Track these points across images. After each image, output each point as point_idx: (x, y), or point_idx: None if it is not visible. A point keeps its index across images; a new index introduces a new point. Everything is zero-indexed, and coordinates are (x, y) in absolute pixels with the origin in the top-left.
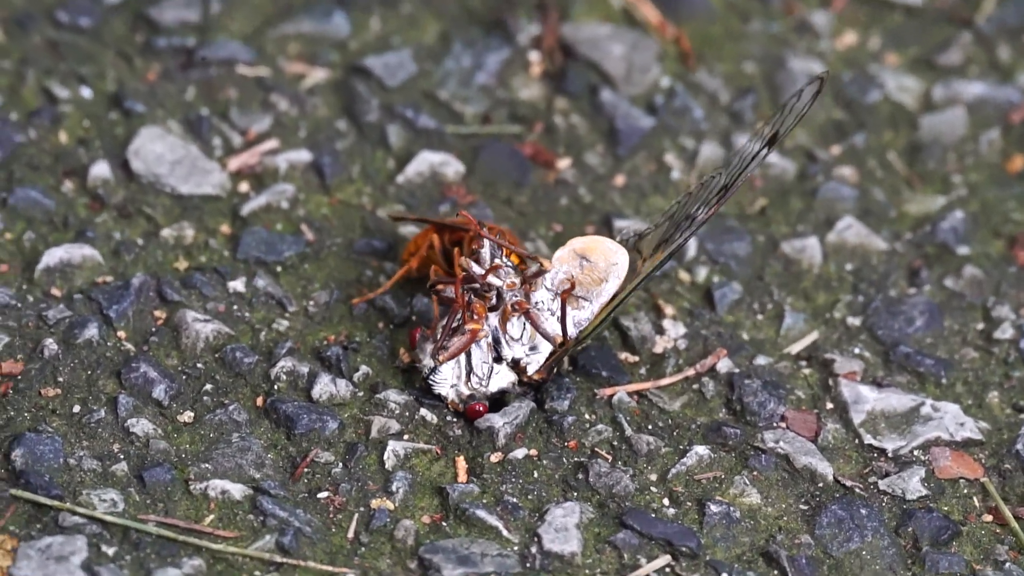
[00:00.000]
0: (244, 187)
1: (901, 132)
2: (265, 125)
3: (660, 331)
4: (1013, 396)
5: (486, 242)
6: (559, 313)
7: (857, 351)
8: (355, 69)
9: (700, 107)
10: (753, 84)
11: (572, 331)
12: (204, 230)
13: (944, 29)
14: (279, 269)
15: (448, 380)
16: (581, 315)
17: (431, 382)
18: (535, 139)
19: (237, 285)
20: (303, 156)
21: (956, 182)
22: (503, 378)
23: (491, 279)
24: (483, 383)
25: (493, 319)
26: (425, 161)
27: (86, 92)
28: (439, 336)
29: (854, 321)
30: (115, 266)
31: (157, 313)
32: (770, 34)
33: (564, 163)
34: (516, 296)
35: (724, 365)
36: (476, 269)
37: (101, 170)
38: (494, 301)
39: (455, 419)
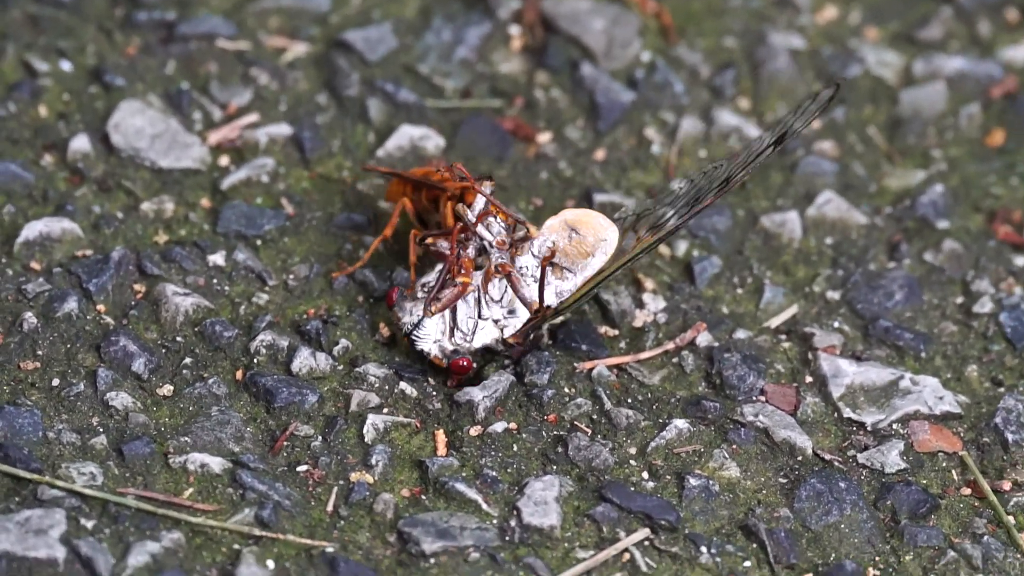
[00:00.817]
0: (224, 161)
1: (881, 107)
2: (245, 99)
3: (640, 305)
4: (992, 370)
5: (479, 196)
6: (548, 284)
7: (836, 325)
8: (336, 43)
9: (680, 82)
10: (733, 59)
11: (552, 300)
12: (184, 204)
13: (925, 4)
14: (259, 243)
15: (432, 335)
16: (564, 286)
17: (414, 338)
18: (516, 113)
19: (217, 259)
20: (283, 130)
21: (936, 157)
22: (487, 334)
23: (481, 230)
24: (467, 338)
25: (477, 277)
26: (405, 135)
27: (66, 66)
28: (431, 287)
29: (833, 295)
30: (95, 240)
31: (137, 287)
32: (750, 9)
33: (544, 137)
34: (502, 257)
35: (704, 339)
36: (471, 217)
37: (81, 144)
38: (480, 260)
39: (435, 392)
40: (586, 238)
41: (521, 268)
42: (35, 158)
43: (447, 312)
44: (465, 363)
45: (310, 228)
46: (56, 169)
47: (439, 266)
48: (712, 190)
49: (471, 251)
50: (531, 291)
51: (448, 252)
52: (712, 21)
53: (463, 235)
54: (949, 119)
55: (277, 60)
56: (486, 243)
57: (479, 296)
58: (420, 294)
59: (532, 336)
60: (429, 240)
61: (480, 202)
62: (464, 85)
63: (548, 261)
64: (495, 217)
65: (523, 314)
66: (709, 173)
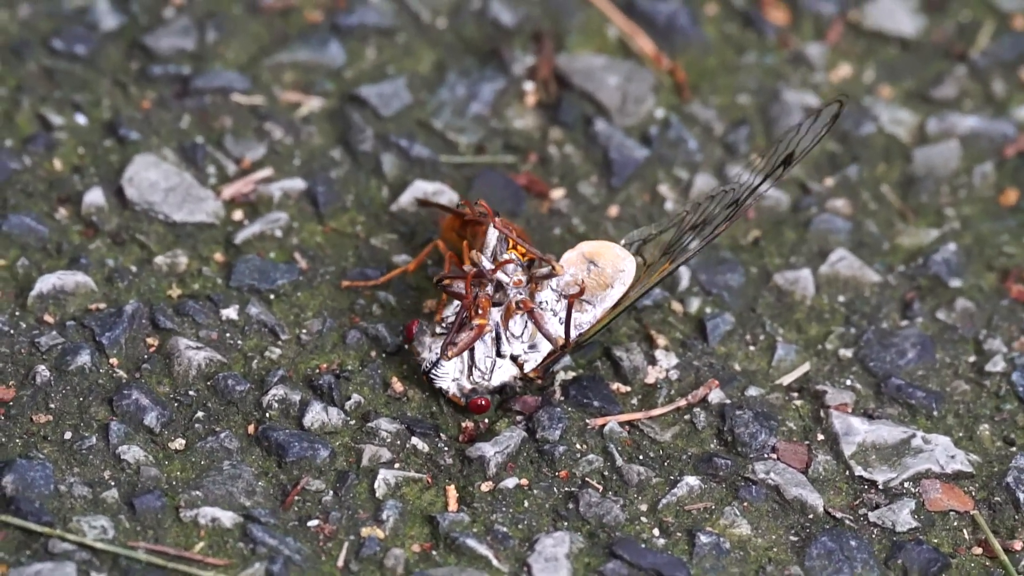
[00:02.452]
0: (238, 215)
1: (895, 165)
2: (259, 153)
3: (652, 361)
4: (1004, 429)
5: (493, 232)
6: (562, 315)
7: (849, 383)
8: (350, 98)
9: (694, 138)
10: (747, 116)
11: (573, 334)
12: (198, 258)
13: (939, 63)
14: (272, 297)
15: (450, 374)
16: (583, 318)
17: (433, 376)
18: (529, 169)
19: (230, 313)
20: (297, 184)
21: (949, 215)
22: (505, 372)
23: (499, 275)
24: (485, 377)
25: (495, 313)
26: (419, 190)
27: (81, 119)
28: (447, 331)
29: (846, 353)
30: (108, 293)
31: (150, 340)
32: (765, 66)
33: (558, 193)
34: (521, 294)
35: (716, 396)
36: (486, 264)
37: (95, 197)
38: (498, 297)
39: (446, 448)
40: (605, 269)
41: (541, 303)
42: (49, 211)
43: (465, 351)
44: (483, 403)
45: (323, 283)
46: (70, 222)
47: (456, 304)
48: (721, 214)
49: (489, 289)
50: (553, 326)
51: (464, 293)
52: (726, 78)
53: (477, 276)
54: (963, 177)
55: (291, 115)
56: (503, 283)
57: (499, 333)
58: (439, 329)
59: (551, 370)
60: (446, 281)
61: (492, 241)
62: (478, 140)
63: (576, 298)
64: (511, 254)
65: (544, 348)
66: (717, 197)
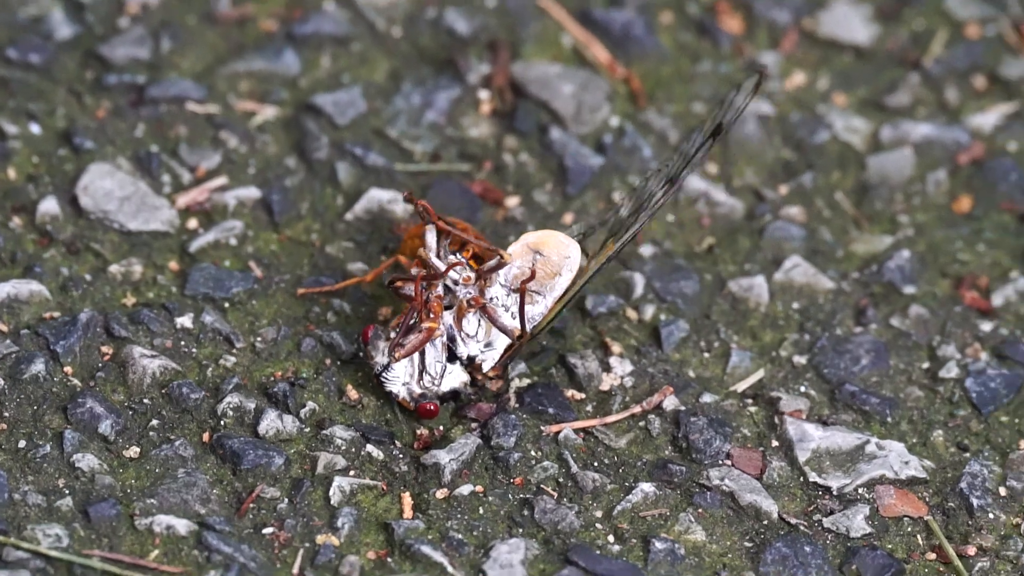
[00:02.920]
0: (193, 224)
1: (849, 172)
2: (215, 162)
3: (607, 368)
4: (957, 435)
5: (432, 232)
6: (514, 309)
7: (803, 389)
8: (305, 107)
9: (649, 146)
10: (702, 124)
11: (528, 325)
12: (152, 266)
13: (892, 71)
14: (227, 305)
15: (400, 378)
16: (535, 310)
17: (383, 379)
18: (485, 177)
19: (185, 321)
20: (252, 193)
21: (903, 222)
22: (455, 378)
23: (448, 274)
24: (435, 382)
25: (448, 316)
26: (374, 199)
27: (35, 128)
28: (395, 333)
29: (800, 360)
30: (63, 301)
31: (104, 349)
32: (720, 75)
33: (513, 201)
34: (471, 292)
35: (670, 403)
36: (437, 264)
37: (50, 206)
38: (449, 300)
39: (401, 455)
40: (551, 258)
41: (492, 299)
42: (3, 220)
43: (416, 355)
44: (432, 407)
45: (278, 291)
46: (24, 231)
47: (408, 310)
48: (657, 193)
49: (440, 291)
50: (507, 320)
51: (413, 296)
52: (681, 86)
53: (427, 278)
54: (916, 185)
55: (246, 123)
56: (450, 281)
57: (453, 335)
58: (393, 334)
59: (509, 366)
60: (397, 283)
61: (432, 241)
62: (433, 149)
63: (527, 285)
64: (456, 254)
65: (500, 345)
66: (651, 177)
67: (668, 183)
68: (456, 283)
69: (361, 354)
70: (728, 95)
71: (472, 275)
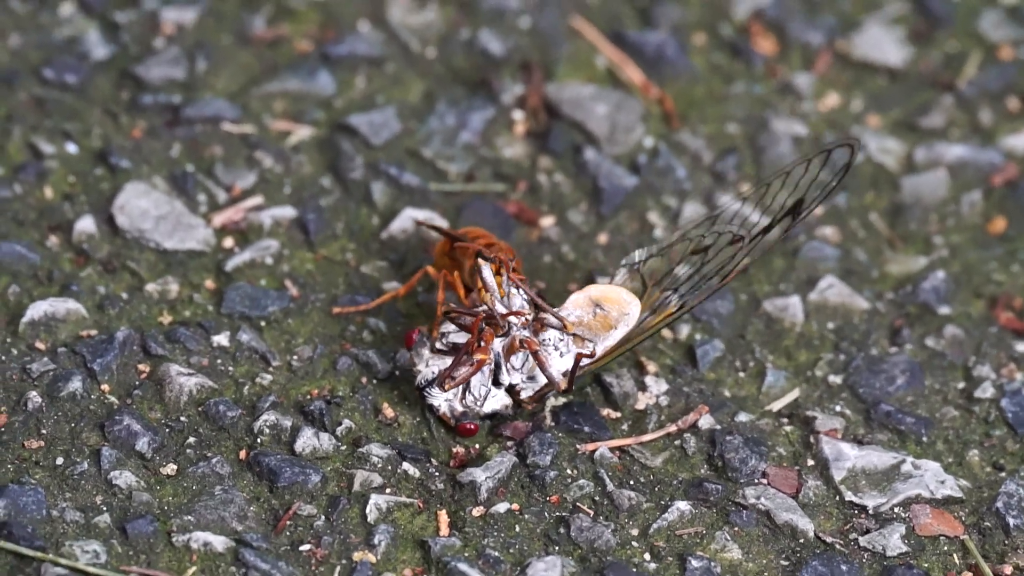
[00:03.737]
0: (229, 243)
1: (883, 193)
2: (250, 182)
3: (642, 387)
4: (993, 455)
5: (488, 268)
6: (563, 350)
7: (838, 409)
8: (340, 127)
9: (683, 167)
10: (736, 144)
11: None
12: (188, 285)
13: (926, 92)
14: (263, 324)
15: (443, 394)
16: (583, 353)
17: (425, 393)
18: (519, 197)
19: (221, 339)
20: (288, 212)
21: (938, 243)
22: (498, 400)
23: (511, 318)
24: (478, 403)
25: (498, 344)
26: (409, 218)
27: (72, 148)
28: (446, 350)
29: (835, 379)
30: (99, 320)
31: (141, 367)
32: (753, 96)
33: (548, 221)
34: (525, 333)
35: (706, 422)
36: (500, 308)
37: (86, 225)
38: (504, 332)
39: (437, 473)
40: (610, 313)
41: (544, 340)
42: (40, 239)
43: None
44: (472, 427)
45: (314, 309)
46: (61, 250)
47: (457, 330)
48: (724, 254)
49: (494, 322)
50: (556, 363)
51: (470, 327)
52: (714, 107)
53: (486, 316)
54: (951, 206)
55: (282, 143)
56: (509, 321)
57: (499, 363)
58: (439, 345)
59: (547, 398)
60: (454, 314)
61: (490, 280)
62: (467, 169)
63: (584, 356)
64: (518, 290)
65: (541, 381)
66: (714, 236)
67: (737, 242)
68: (515, 324)
69: (397, 371)
70: (810, 159)
71: (530, 317)
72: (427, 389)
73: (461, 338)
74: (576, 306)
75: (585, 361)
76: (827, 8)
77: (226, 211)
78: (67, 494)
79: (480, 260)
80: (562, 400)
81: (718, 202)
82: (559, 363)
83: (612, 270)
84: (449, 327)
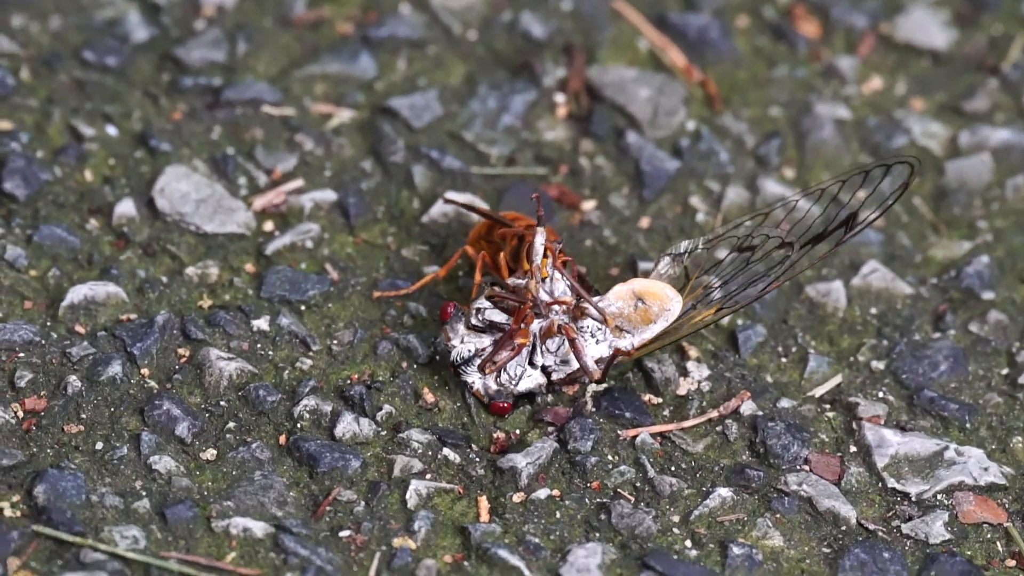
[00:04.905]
0: (269, 226)
1: (927, 177)
2: (290, 165)
3: (684, 373)
4: None
5: (540, 243)
6: (600, 337)
7: (881, 395)
8: (381, 110)
9: (726, 150)
10: (779, 128)
11: (606, 353)
12: (228, 268)
13: (970, 75)
14: (303, 308)
15: (478, 372)
16: (620, 343)
17: (460, 371)
18: (560, 181)
19: (261, 324)
20: (328, 196)
21: (982, 228)
22: (532, 380)
23: (546, 296)
24: (513, 382)
25: (536, 325)
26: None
27: (112, 131)
28: (483, 344)
29: (878, 365)
30: (139, 304)
31: (181, 351)
32: (796, 79)
33: (589, 205)
34: (565, 319)
35: (748, 407)
36: (543, 296)
37: (126, 208)
38: (543, 316)
39: (477, 459)
40: (651, 308)
41: (582, 327)
42: (80, 222)
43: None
44: (505, 405)
45: (354, 294)
46: (101, 233)
47: (493, 306)
48: (772, 256)
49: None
50: (591, 350)
51: (514, 311)
52: (757, 91)
53: (533, 304)
54: (995, 190)
55: (322, 126)
56: (545, 304)
57: (535, 344)
58: (474, 320)
59: (577, 381)
60: (496, 298)
61: (539, 249)
62: (509, 152)
63: (620, 353)
64: (562, 276)
65: (574, 364)
66: (763, 236)
67: (785, 247)
68: (554, 308)
69: (438, 356)
70: (868, 170)
71: (571, 302)
72: (463, 367)
73: (498, 316)
74: (618, 297)
75: (619, 344)
76: None
77: (266, 194)
78: (106, 479)
79: (537, 229)
80: (603, 385)
81: (765, 193)
82: (594, 350)
83: (655, 256)
84: (484, 303)
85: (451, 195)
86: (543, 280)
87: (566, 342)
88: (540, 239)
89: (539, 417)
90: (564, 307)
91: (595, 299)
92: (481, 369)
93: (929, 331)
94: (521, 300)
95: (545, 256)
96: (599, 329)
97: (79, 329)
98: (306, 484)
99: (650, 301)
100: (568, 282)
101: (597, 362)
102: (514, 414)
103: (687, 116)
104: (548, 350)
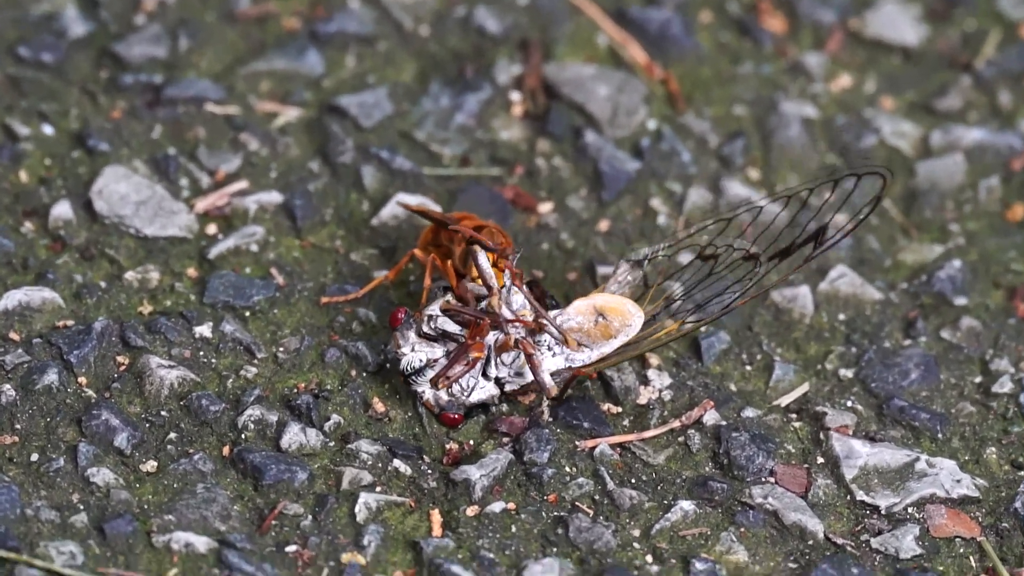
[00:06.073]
0: (212, 229)
1: (897, 179)
2: (234, 165)
3: (644, 381)
4: (1012, 452)
5: (482, 256)
6: (556, 351)
7: (849, 404)
8: (329, 108)
9: (688, 151)
10: (743, 127)
11: (562, 365)
12: (170, 273)
13: (943, 73)
14: (248, 314)
15: (431, 385)
16: (578, 356)
17: (411, 381)
18: (516, 182)
19: (204, 330)
20: (274, 198)
21: (954, 231)
22: (485, 392)
23: (505, 311)
24: (464, 393)
25: (491, 338)
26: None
27: (48, 130)
28: (444, 365)
29: (846, 373)
30: (76, 309)
31: (120, 359)
32: (761, 77)
33: (546, 207)
34: (522, 333)
35: (711, 417)
36: (505, 312)
37: (63, 210)
38: (499, 330)
39: (430, 471)
40: (612, 323)
41: (539, 341)
42: (15, 225)
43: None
44: (456, 417)
45: (301, 299)
46: (37, 236)
47: (438, 300)
48: (738, 269)
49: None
50: (548, 364)
51: (467, 325)
52: (721, 89)
53: (489, 317)
54: (968, 192)
55: (268, 125)
56: (504, 320)
57: (490, 356)
58: (426, 329)
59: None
60: (452, 312)
61: (487, 268)
62: (462, 152)
63: (580, 372)
64: (520, 290)
65: (529, 376)
66: (728, 247)
67: (750, 259)
68: (510, 322)
69: (388, 364)
70: (837, 179)
71: (530, 318)
72: (413, 376)
73: (451, 325)
74: (579, 312)
75: (577, 358)
76: None
77: (209, 196)
78: (42, 492)
79: (476, 248)
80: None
81: (729, 195)
82: (551, 362)
83: (615, 262)
84: (433, 307)
85: (403, 198)
86: (499, 290)
87: (522, 356)
88: (483, 259)
89: (494, 427)
90: (524, 322)
91: (555, 313)
92: (434, 383)
93: (899, 338)
94: (478, 315)
95: (495, 265)
96: (556, 343)
97: (13, 336)
98: (251, 497)
99: (611, 316)
100: (526, 296)
101: (553, 375)
102: (468, 424)
103: (648, 115)
104: (503, 362)
